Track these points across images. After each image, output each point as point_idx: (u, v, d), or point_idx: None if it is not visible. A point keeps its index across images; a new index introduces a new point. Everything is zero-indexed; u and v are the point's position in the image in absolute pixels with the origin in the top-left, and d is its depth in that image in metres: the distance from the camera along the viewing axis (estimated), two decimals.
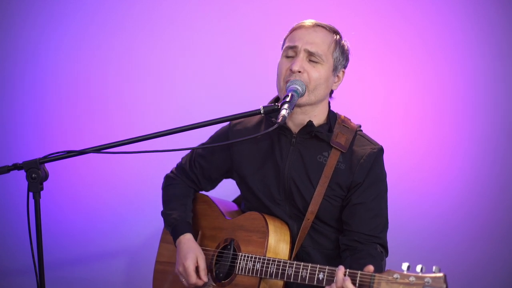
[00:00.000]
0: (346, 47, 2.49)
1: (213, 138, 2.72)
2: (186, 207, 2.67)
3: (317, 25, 2.45)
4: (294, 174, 2.46)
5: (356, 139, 2.48)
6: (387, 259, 2.46)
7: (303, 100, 2.38)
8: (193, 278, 2.49)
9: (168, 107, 3.51)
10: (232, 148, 2.62)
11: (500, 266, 3.23)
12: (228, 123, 2.65)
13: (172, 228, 2.61)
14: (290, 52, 2.43)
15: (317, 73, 2.39)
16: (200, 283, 2.50)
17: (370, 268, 2.07)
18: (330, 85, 2.47)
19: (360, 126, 2.55)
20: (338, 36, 2.47)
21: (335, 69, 2.46)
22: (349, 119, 2.55)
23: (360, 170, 2.42)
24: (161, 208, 2.73)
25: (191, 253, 2.52)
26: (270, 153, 2.52)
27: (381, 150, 2.48)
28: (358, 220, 2.41)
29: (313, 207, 2.43)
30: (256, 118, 2.61)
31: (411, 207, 3.29)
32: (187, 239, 2.57)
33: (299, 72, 2.37)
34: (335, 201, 2.45)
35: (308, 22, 2.47)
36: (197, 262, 2.51)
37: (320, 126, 2.47)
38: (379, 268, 2.33)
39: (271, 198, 2.52)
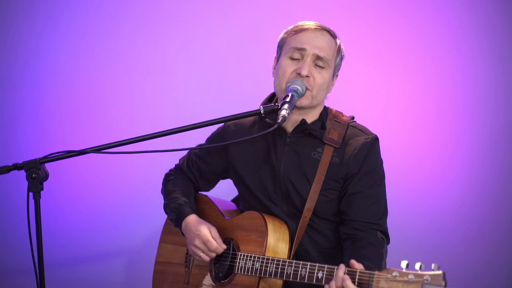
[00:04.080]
0: (343, 53, 2.51)
1: (209, 139, 2.72)
2: (189, 197, 2.65)
3: (322, 29, 2.44)
4: (289, 173, 2.46)
5: (348, 132, 2.47)
6: (387, 258, 2.46)
7: (305, 102, 2.38)
8: (214, 244, 2.45)
9: (168, 107, 3.51)
10: (228, 149, 2.61)
11: (500, 266, 3.23)
12: (222, 124, 2.65)
13: (177, 213, 2.58)
14: (297, 54, 2.41)
15: (322, 79, 2.40)
16: (220, 250, 2.46)
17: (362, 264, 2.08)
18: (329, 89, 2.48)
19: (353, 118, 2.55)
20: (339, 41, 2.48)
21: (333, 74, 2.48)
22: (341, 112, 2.54)
23: (354, 161, 2.42)
24: (161, 209, 2.71)
25: (203, 225, 2.49)
26: (266, 153, 2.52)
27: (375, 139, 2.47)
28: (356, 209, 2.41)
29: (310, 204, 2.43)
30: (251, 118, 2.61)
31: (411, 207, 3.28)
32: (193, 218, 2.54)
33: (307, 76, 2.37)
34: (331, 195, 2.45)
35: (313, 24, 2.45)
36: (210, 233, 2.48)
37: (313, 123, 2.47)
38: (379, 256, 2.33)
39: (268, 198, 2.52)
